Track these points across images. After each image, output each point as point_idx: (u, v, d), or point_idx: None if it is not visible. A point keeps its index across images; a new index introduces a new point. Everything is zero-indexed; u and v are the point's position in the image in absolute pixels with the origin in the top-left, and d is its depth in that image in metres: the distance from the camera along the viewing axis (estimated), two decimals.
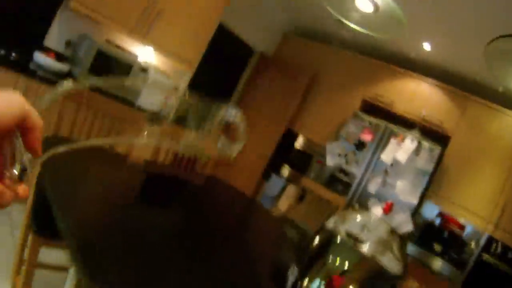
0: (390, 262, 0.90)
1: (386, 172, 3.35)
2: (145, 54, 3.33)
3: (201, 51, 3.51)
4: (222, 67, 4.38)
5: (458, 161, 3.35)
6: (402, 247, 0.99)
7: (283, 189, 3.97)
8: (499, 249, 3.05)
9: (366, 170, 3.45)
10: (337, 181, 3.54)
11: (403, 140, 3.34)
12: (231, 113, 0.58)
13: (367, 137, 3.51)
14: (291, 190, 3.89)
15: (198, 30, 3.38)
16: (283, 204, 3.86)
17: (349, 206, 3.38)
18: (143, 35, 3.01)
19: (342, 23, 3.96)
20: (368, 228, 0.96)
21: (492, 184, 3.23)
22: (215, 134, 0.57)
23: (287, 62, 4.45)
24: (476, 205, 3.21)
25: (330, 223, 1.05)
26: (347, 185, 3.48)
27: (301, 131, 4.17)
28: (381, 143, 3.44)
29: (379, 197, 3.31)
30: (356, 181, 3.46)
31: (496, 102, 3.37)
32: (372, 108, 3.83)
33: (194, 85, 3.92)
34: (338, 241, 0.96)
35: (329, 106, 4.05)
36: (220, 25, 3.62)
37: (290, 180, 4.00)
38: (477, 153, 3.31)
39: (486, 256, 3.05)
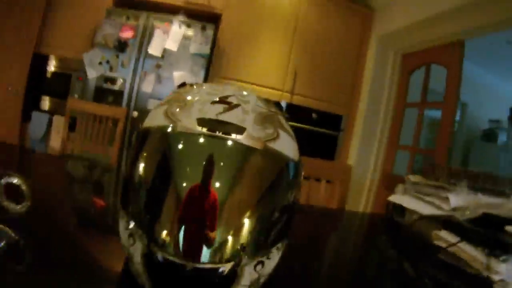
0: (286, 143, 0.53)
1: (158, 66, 2.98)
2: None
3: None
4: None
5: (234, 38, 3.19)
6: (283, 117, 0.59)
7: (50, 124, 3.26)
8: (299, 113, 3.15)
9: (134, 70, 3.01)
10: (106, 92, 3.02)
11: (169, 27, 3.00)
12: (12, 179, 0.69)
13: (127, 34, 3.02)
14: (59, 122, 3.21)
15: None
16: (55, 140, 3.18)
17: (128, 114, 2.95)
18: None
19: None
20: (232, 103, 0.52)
21: (278, 53, 3.21)
22: None
23: None
24: (267, 77, 3.16)
25: (155, 120, 0.54)
26: (119, 93, 3.01)
27: (51, 51, 3.40)
28: (145, 37, 2.99)
29: (159, 96, 2.95)
30: (127, 85, 3.00)
31: None
32: (127, 4, 3.33)
33: None
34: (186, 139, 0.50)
35: (77, 13, 3.33)
36: None
37: (54, 111, 3.29)
38: (254, 25, 3.21)
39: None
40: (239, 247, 0.46)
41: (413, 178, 1.45)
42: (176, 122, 0.48)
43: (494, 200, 1.15)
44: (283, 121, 0.55)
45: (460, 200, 1.17)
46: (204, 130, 0.46)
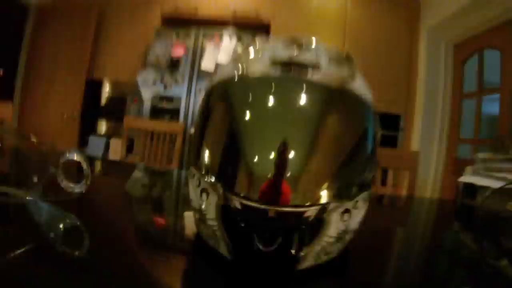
0: (361, 85, 0.52)
1: None
2: None
3: None
4: None
5: None
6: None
7: (107, 147, 3.30)
8: None
9: (189, 87, 3.03)
10: (162, 111, 3.05)
11: (219, 42, 3.04)
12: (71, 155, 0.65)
13: (178, 52, 3.05)
14: (116, 144, 3.26)
15: None
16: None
17: (185, 130, 2.96)
18: None
19: None
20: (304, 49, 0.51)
21: None
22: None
23: (70, 6, 3.59)
24: None
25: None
26: (175, 111, 3.03)
27: (104, 76, 3.48)
28: (197, 53, 3.03)
29: None
30: (183, 103, 3.03)
31: None
32: (176, 23, 3.39)
33: None
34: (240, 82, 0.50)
35: (127, 36, 3.42)
36: None
37: (110, 135, 3.34)
38: (303, 31, 3.14)
39: None
40: (325, 190, 0.43)
41: (482, 155, 1.34)
42: (246, 68, 0.47)
43: None
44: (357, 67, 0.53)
45: None
46: (278, 71, 0.45)
